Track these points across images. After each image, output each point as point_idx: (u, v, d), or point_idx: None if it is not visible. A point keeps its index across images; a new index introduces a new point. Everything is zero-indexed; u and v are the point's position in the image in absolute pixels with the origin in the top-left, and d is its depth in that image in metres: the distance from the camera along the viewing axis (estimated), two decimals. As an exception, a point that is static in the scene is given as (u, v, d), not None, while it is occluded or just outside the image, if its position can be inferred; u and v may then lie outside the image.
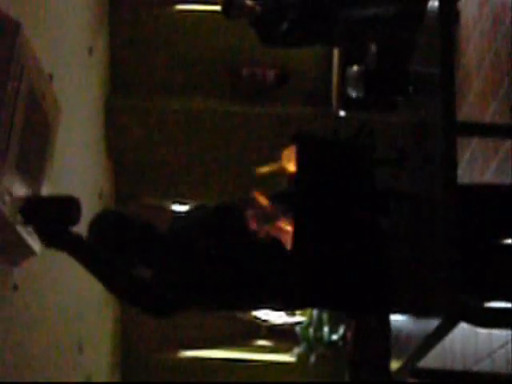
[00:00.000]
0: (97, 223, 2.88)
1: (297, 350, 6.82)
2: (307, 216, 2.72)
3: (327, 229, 2.72)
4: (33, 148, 3.88)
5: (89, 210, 5.76)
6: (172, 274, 2.75)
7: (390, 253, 2.67)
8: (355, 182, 2.81)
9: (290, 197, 2.79)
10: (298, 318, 7.10)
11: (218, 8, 5.26)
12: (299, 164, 2.81)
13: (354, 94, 3.24)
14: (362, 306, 2.75)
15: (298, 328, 6.83)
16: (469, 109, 4.61)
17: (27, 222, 2.77)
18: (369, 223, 2.74)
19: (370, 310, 2.81)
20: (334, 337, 6.49)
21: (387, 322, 3.02)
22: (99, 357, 6.38)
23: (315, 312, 6.60)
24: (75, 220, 2.76)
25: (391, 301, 2.68)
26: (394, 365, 2.83)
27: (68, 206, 2.76)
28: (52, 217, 2.75)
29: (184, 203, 6.91)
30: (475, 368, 4.09)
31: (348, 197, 2.77)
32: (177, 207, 6.98)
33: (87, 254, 2.77)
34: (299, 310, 2.90)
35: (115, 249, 2.82)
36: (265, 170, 3.00)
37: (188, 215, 2.93)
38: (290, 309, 2.86)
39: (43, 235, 2.78)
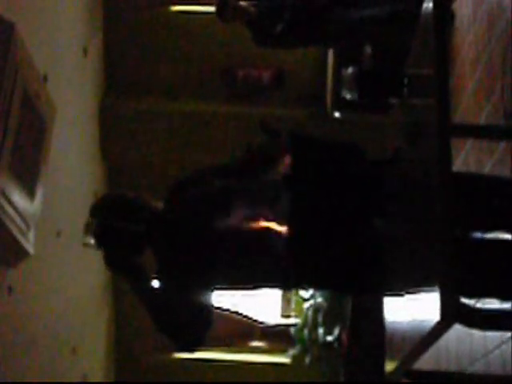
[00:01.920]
0: (101, 206, 2.89)
1: (292, 352, 6.82)
2: (302, 209, 2.73)
3: (321, 228, 2.73)
4: (27, 148, 3.87)
5: (83, 212, 5.74)
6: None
7: (385, 253, 2.67)
8: (350, 180, 2.82)
9: (285, 190, 2.80)
10: (292, 320, 7.10)
11: (213, 9, 5.25)
12: (293, 161, 2.81)
13: (348, 96, 3.25)
14: (357, 289, 2.80)
15: (292, 329, 6.83)
16: (463, 110, 4.61)
17: (99, 245, 2.81)
18: (363, 225, 2.74)
19: (364, 291, 2.85)
20: (329, 338, 6.48)
21: (382, 323, 3.02)
22: (93, 358, 6.37)
23: (310, 313, 6.60)
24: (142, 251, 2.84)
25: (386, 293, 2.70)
26: (389, 366, 2.83)
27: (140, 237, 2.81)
28: (127, 244, 2.80)
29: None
30: (470, 369, 4.09)
31: (342, 196, 2.77)
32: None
33: (145, 287, 2.82)
34: (295, 289, 2.94)
35: (117, 231, 2.83)
36: None
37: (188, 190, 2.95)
38: (285, 288, 2.89)
39: (114, 260, 2.81)
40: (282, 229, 2.70)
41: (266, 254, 2.73)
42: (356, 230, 2.72)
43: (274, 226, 2.71)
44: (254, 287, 2.91)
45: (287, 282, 2.82)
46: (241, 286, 2.96)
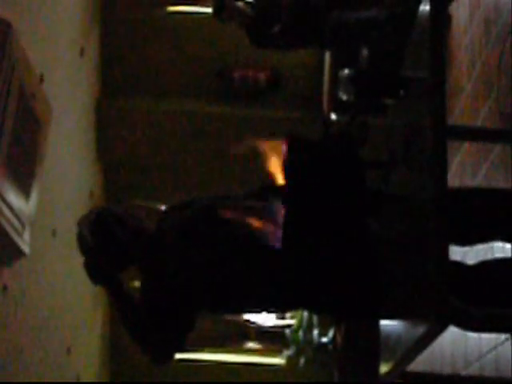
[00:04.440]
0: (88, 221, 2.84)
1: (286, 353, 6.82)
2: (296, 217, 2.71)
3: (316, 231, 2.71)
4: (23, 148, 3.87)
5: (79, 211, 5.74)
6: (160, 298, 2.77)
7: (380, 256, 2.66)
8: (345, 183, 2.81)
9: (279, 196, 2.78)
10: (287, 321, 7.10)
11: (209, 10, 5.25)
12: (289, 165, 2.80)
13: (345, 98, 3.24)
14: (351, 310, 2.75)
15: (287, 331, 6.83)
16: (460, 113, 4.62)
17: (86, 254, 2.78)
18: (358, 226, 2.73)
19: (359, 315, 2.81)
20: (324, 340, 6.49)
21: (376, 325, 3.01)
22: (88, 357, 6.36)
23: (305, 315, 6.60)
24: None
25: (380, 304, 2.67)
26: (383, 368, 2.83)
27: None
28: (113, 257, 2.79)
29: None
30: (464, 372, 4.09)
31: (338, 199, 2.76)
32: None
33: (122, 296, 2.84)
34: (286, 312, 2.88)
35: (105, 247, 2.79)
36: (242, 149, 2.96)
37: (178, 212, 2.90)
38: (276, 311, 2.85)
39: (96, 268, 2.78)
40: (275, 248, 2.66)
41: (257, 277, 2.70)
42: (351, 251, 2.68)
43: (265, 245, 2.67)
44: (245, 311, 2.89)
45: (278, 306, 2.79)
46: (231, 311, 2.94)
